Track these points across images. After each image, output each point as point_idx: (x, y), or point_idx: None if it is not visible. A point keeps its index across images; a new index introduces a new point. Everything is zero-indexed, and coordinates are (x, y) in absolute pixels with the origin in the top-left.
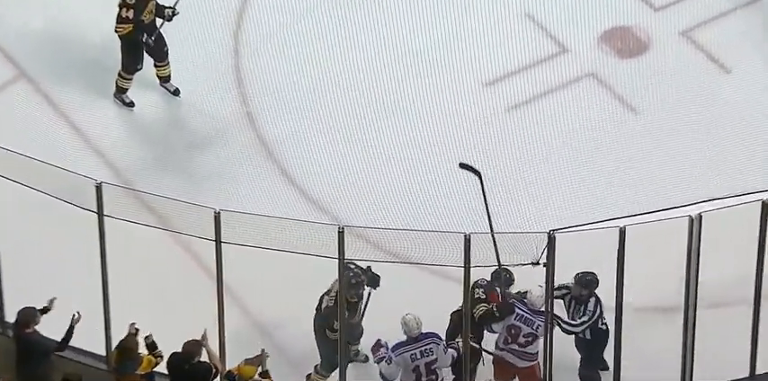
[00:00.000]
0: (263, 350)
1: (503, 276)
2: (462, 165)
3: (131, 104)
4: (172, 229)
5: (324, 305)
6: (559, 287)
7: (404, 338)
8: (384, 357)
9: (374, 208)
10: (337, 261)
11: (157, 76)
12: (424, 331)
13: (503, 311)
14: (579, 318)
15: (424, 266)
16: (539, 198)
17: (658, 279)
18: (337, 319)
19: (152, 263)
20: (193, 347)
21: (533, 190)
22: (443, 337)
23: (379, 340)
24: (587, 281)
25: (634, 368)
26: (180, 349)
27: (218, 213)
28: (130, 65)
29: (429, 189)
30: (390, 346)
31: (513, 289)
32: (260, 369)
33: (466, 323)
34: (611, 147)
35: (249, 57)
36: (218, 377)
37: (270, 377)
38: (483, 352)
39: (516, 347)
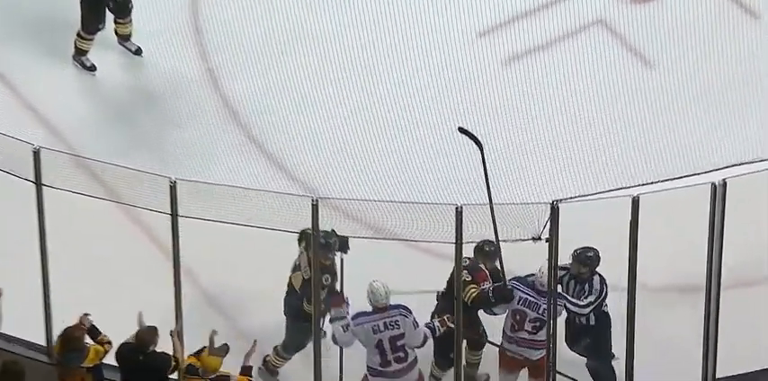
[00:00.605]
0: (254, 342)
1: (485, 249)
2: (462, 130)
3: (93, 68)
4: (122, 201)
5: (302, 280)
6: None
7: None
8: (343, 317)
9: (353, 177)
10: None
11: (117, 34)
12: (405, 312)
13: (499, 296)
14: (584, 298)
15: (410, 242)
16: (539, 164)
17: (677, 254)
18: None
19: (99, 239)
20: (148, 335)
21: (533, 155)
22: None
23: (341, 293)
24: (587, 258)
25: (649, 356)
26: (131, 338)
27: (175, 182)
28: (92, 23)
29: (415, 155)
30: (351, 314)
31: (509, 269)
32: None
33: (458, 308)
34: (622, 106)
35: (209, 8)
36: (178, 371)
37: (250, 375)
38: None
39: (526, 335)
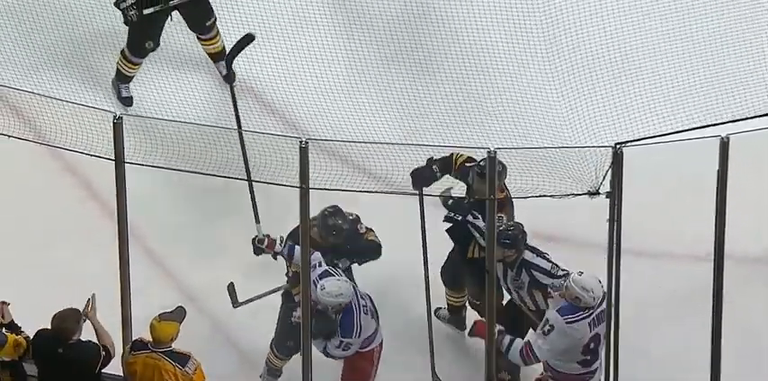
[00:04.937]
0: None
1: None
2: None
3: (128, 101)
4: (54, 144)
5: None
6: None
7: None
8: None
9: (352, 118)
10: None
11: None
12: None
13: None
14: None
15: (428, 197)
16: (597, 100)
17: None
18: None
19: (25, 193)
20: (68, 321)
21: (591, 89)
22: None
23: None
24: (507, 238)
25: (739, 347)
26: (51, 324)
27: (120, 119)
28: (138, 42)
29: (432, 91)
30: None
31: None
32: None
33: (491, 277)
34: (708, 27)
35: None
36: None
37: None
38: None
39: (593, 367)
